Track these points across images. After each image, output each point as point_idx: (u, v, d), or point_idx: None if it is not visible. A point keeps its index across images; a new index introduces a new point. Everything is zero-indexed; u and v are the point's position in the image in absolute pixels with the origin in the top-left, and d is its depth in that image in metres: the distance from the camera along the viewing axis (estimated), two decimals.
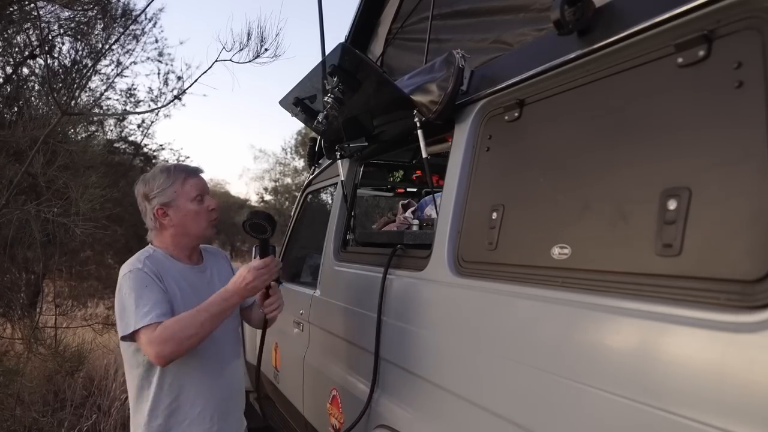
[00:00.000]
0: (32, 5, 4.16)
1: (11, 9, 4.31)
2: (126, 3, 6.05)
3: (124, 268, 1.59)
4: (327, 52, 1.76)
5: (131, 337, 1.51)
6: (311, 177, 3.17)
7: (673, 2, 0.94)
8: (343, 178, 2.32)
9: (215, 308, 1.51)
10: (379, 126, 2.05)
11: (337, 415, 2.07)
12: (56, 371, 4.21)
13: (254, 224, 1.58)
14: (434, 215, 1.96)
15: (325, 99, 1.74)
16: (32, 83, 5.31)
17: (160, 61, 7.76)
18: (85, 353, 4.41)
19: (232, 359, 1.75)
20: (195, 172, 1.69)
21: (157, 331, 1.46)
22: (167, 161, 10.66)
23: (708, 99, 0.88)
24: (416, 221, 2.15)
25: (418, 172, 2.90)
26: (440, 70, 1.61)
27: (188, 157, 10.77)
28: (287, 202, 19.92)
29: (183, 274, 1.66)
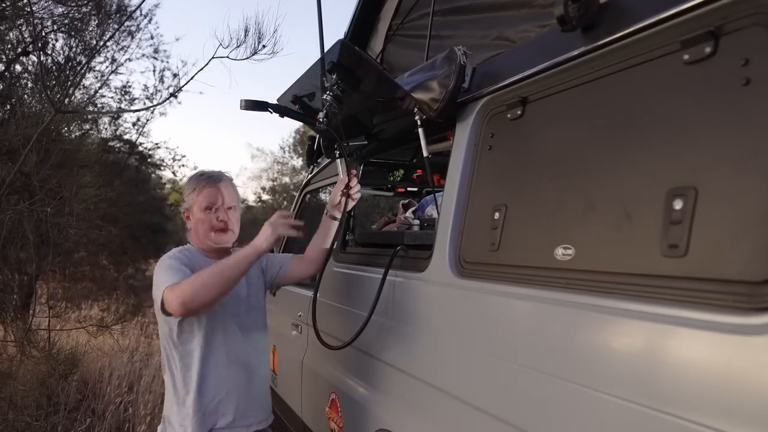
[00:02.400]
0: (25, 1, 4.17)
1: (4, 5, 4.31)
2: None
3: (161, 259, 1.79)
4: (326, 49, 1.76)
5: (165, 310, 1.67)
6: (310, 176, 3.17)
7: None
8: (342, 178, 2.32)
9: (231, 259, 1.65)
10: (379, 124, 2.05)
11: (336, 419, 2.07)
12: (50, 374, 4.21)
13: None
14: (435, 215, 1.96)
15: (324, 97, 1.74)
16: (25, 80, 5.31)
17: (155, 58, 7.79)
18: (79, 356, 4.41)
19: (260, 351, 1.94)
20: (213, 182, 1.84)
21: (180, 284, 1.63)
22: (163, 160, 10.67)
23: (714, 96, 0.88)
24: (417, 221, 2.15)
25: (418, 171, 2.90)
26: (441, 67, 1.61)
27: (184, 156, 10.77)
28: (285, 202, 19.92)
29: None
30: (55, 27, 5.30)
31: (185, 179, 1.89)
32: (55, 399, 4.19)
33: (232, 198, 1.88)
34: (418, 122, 1.68)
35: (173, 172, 11.09)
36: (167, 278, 1.68)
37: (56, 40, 5.53)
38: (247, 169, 46.75)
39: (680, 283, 0.87)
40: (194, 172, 1.87)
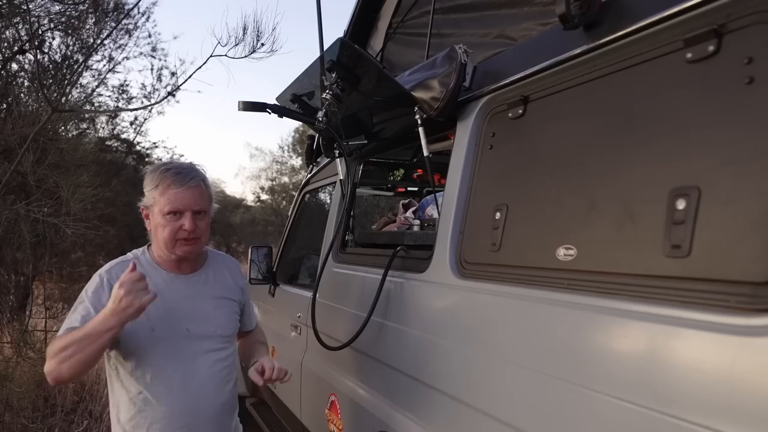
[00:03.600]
0: None
1: (0, 3, 4.31)
2: None
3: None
4: (325, 47, 1.76)
5: None
6: (309, 176, 3.17)
7: None
8: (342, 177, 2.32)
9: (90, 326, 1.40)
10: (379, 123, 2.05)
11: (335, 421, 2.07)
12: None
13: None
14: (436, 215, 1.96)
15: (324, 95, 1.74)
16: (21, 79, 5.32)
17: (153, 57, 7.78)
18: None
19: (208, 379, 1.63)
20: (180, 182, 1.53)
21: (50, 346, 1.45)
22: (160, 159, 10.67)
23: (718, 95, 0.88)
24: (417, 221, 2.15)
25: (419, 170, 2.90)
26: (442, 66, 1.61)
27: (182, 155, 10.76)
28: (284, 202, 19.92)
29: (167, 281, 1.62)
30: (52, 25, 5.30)
31: (147, 169, 1.66)
32: (52, 401, 4.19)
33: (203, 201, 1.58)
34: (419, 121, 1.68)
35: None
36: (67, 318, 1.51)
37: (53, 39, 5.54)
38: (246, 168, 46.78)
39: (683, 284, 0.87)
40: (158, 162, 1.59)
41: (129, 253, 1.67)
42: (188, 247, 1.57)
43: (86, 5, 5.17)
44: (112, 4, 5.92)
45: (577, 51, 1.16)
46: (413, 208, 2.33)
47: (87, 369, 1.45)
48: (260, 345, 1.89)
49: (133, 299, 1.38)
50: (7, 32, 4.85)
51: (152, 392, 1.55)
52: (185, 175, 1.55)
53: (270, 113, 1.88)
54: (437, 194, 1.84)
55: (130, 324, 1.43)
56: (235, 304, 1.76)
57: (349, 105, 1.84)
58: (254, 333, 1.94)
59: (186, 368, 1.58)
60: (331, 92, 1.72)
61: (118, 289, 1.38)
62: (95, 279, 1.57)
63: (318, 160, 3.02)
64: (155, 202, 1.55)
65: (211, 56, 3.06)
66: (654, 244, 0.92)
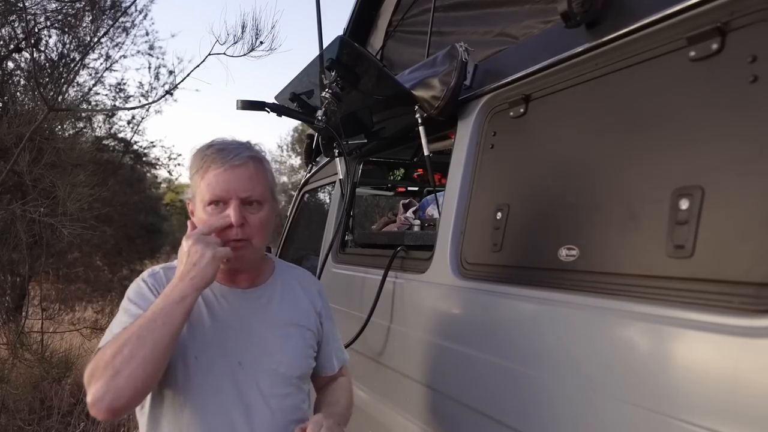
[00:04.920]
0: None
1: None
2: None
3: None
4: (325, 46, 1.76)
5: None
6: (308, 175, 3.17)
7: None
8: (341, 177, 2.32)
9: (152, 308, 1.05)
10: (379, 122, 2.05)
11: None
12: (42, 378, 4.21)
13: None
14: (436, 215, 1.96)
15: (323, 94, 1.74)
16: (18, 78, 5.32)
17: (150, 55, 7.78)
18: (72, 359, 4.42)
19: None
20: (222, 162, 1.14)
21: (92, 362, 1.04)
22: (158, 159, 10.67)
23: (721, 94, 0.88)
24: (417, 221, 2.15)
25: (419, 170, 2.90)
26: (443, 64, 1.61)
27: (180, 155, 10.75)
28: (283, 202, 19.87)
29: (218, 295, 1.22)
30: (48, 23, 5.30)
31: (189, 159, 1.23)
32: (49, 403, 4.19)
33: (254, 185, 1.16)
34: (419, 120, 1.68)
35: (169, 171, 11.08)
36: (108, 331, 1.14)
37: (49, 37, 5.54)
38: None
39: (686, 285, 0.87)
40: (206, 141, 1.21)
41: (174, 261, 1.25)
42: (236, 252, 1.14)
43: (83, 3, 5.18)
44: (109, 2, 5.92)
45: (579, 49, 1.16)
46: (413, 208, 2.33)
47: (156, 375, 1.04)
48: (338, 403, 1.34)
49: (204, 248, 1.06)
50: (3, 30, 4.85)
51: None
52: (230, 151, 1.15)
53: (269, 112, 1.87)
54: (438, 194, 1.84)
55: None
56: (309, 335, 1.29)
57: (348, 104, 1.84)
58: (338, 384, 1.40)
59: (234, 417, 1.14)
60: (330, 91, 1.72)
61: (185, 241, 1.08)
62: (138, 283, 1.20)
63: (317, 159, 3.02)
64: (197, 190, 1.17)
65: (209, 54, 3.07)
66: (657, 245, 0.92)
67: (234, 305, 1.21)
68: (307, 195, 3.32)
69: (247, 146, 1.20)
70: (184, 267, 1.06)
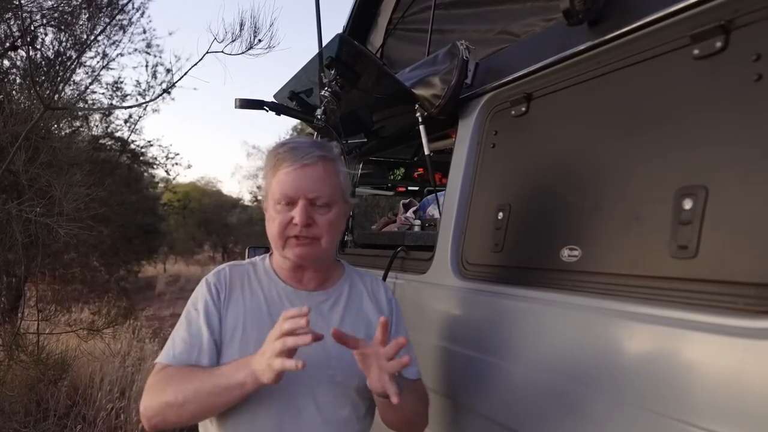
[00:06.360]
0: None
1: None
2: None
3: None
4: (324, 44, 1.76)
5: None
6: None
7: None
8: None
9: (219, 378, 1.08)
10: (379, 121, 2.05)
11: None
12: (39, 380, 4.21)
13: None
14: (437, 215, 1.96)
15: (322, 93, 1.74)
16: (13, 76, 5.31)
17: (148, 53, 7.77)
18: (69, 361, 4.42)
19: None
20: (293, 161, 1.15)
21: (155, 376, 1.13)
22: (156, 158, 10.67)
23: (725, 93, 0.88)
24: (418, 221, 2.15)
25: (419, 169, 2.90)
26: (443, 63, 1.61)
27: (177, 154, 10.75)
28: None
29: (282, 295, 1.23)
30: (45, 21, 5.30)
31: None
32: (45, 405, 4.19)
33: (323, 186, 1.16)
34: (420, 119, 1.68)
35: (166, 171, 11.08)
36: (169, 341, 1.18)
37: (45, 35, 5.53)
38: (243, 167, 46.80)
39: (690, 285, 0.87)
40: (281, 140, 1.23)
41: (247, 258, 1.32)
42: (300, 249, 1.16)
43: (80, 1, 5.18)
44: (106, 0, 5.92)
45: (582, 47, 1.16)
46: (414, 208, 2.33)
47: (202, 419, 1.17)
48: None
49: (271, 356, 1.00)
50: None
51: None
52: (301, 150, 1.16)
53: (267, 111, 1.88)
54: (438, 194, 1.84)
55: (229, 337, 1.14)
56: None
57: (348, 102, 1.84)
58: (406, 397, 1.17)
59: (284, 421, 1.14)
60: (330, 89, 1.72)
61: (282, 322, 1.02)
62: (201, 286, 1.21)
63: None
64: (269, 188, 1.19)
65: (207, 52, 3.06)
66: (660, 245, 0.92)
67: (302, 305, 1.12)
68: None
69: (320, 146, 1.20)
70: (263, 357, 1.03)
